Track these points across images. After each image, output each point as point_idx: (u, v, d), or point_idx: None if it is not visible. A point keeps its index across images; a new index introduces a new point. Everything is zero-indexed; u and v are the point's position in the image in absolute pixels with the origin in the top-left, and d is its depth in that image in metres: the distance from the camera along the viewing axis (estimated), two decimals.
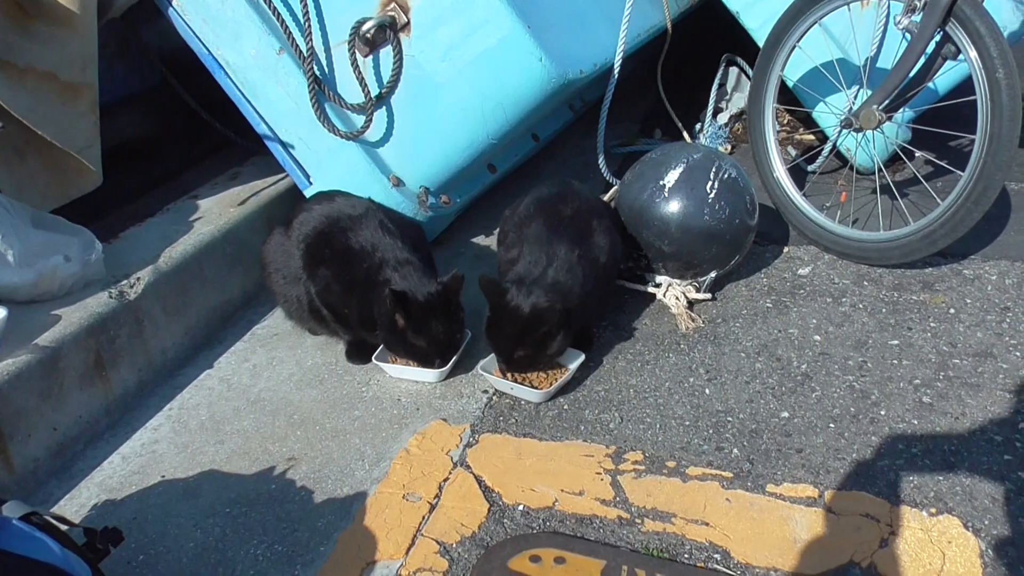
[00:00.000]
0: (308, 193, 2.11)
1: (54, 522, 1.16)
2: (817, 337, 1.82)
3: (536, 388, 1.69)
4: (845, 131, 2.10)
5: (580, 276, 1.72)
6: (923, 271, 2.03)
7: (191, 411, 1.77)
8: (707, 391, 1.69)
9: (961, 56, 1.84)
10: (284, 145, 2.12)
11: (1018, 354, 1.69)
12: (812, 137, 2.83)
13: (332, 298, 1.80)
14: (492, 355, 1.72)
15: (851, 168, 2.41)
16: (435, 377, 1.77)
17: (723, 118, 2.95)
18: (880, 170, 2.23)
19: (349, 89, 2.02)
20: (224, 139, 2.48)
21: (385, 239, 1.79)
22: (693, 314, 1.93)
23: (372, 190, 2.04)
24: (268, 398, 1.79)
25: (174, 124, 2.65)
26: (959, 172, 1.87)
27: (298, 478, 1.54)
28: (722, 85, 2.92)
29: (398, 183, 2.08)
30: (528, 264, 1.73)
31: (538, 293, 1.64)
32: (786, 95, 2.41)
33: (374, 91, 2.01)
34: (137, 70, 2.50)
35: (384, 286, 1.70)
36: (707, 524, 1.35)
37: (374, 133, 2.06)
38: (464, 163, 2.09)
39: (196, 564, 1.37)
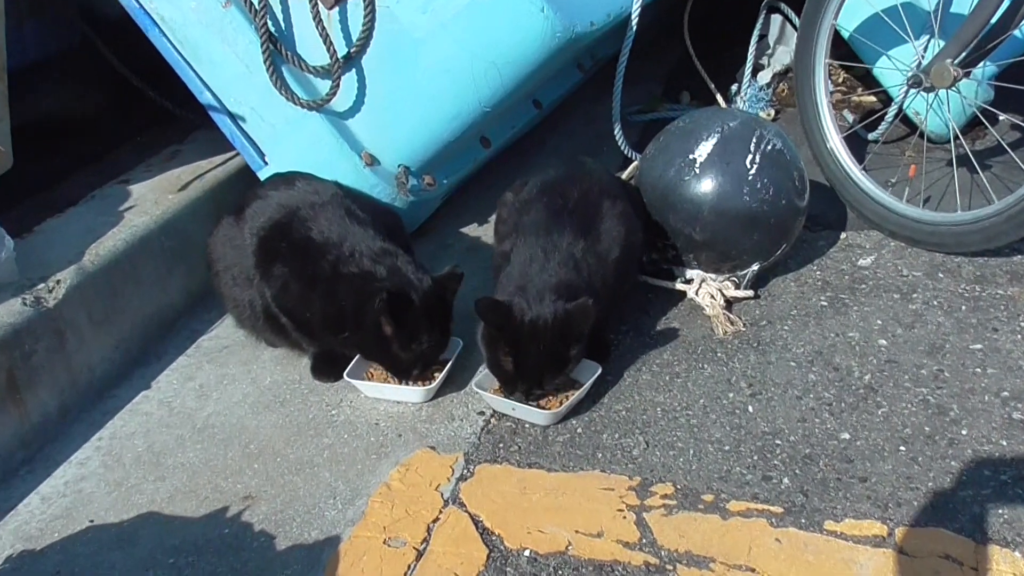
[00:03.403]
0: (263, 175, 2.11)
1: None
2: (883, 341, 1.82)
3: (543, 408, 1.68)
4: (913, 91, 2.10)
5: (587, 272, 1.72)
6: (1010, 260, 2.03)
7: (125, 441, 1.77)
8: (750, 409, 1.69)
9: None
10: (233, 117, 2.12)
11: None
12: (873, 99, 2.83)
13: (291, 301, 1.80)
14: (487, 369, 1.72)
15: (921, 136, 2.41)
16: (420, 396, 1.77)
17: (764, 77, 2.95)
18: (956, 138, 2.23)
19: (311, 48, 2.02)
20: (161, 111, 2.48)
21: (354, 228, 1.79)
22: (732, 315, 1.94)
23: (340, 170, 2.04)
24: (218, 424, 1.79)
25: (99, 94, 2.65)
26: None
27: (256, 520, 1.54)
28: (763, 37, 2.93)
29: (372, 161, 2.08)
30: (523, 263, 1.72)
31: (551, 297, 1.64)
32: (841, 48, 2.41)
33: (341, 51, 2.01)
34: (54, 30, 2.50)
35: (355, 278, 1.70)
36: (753, 570, 1.35)
37: (342, 101, 2.06)
38: (451, 136, 2.10)
39: None
